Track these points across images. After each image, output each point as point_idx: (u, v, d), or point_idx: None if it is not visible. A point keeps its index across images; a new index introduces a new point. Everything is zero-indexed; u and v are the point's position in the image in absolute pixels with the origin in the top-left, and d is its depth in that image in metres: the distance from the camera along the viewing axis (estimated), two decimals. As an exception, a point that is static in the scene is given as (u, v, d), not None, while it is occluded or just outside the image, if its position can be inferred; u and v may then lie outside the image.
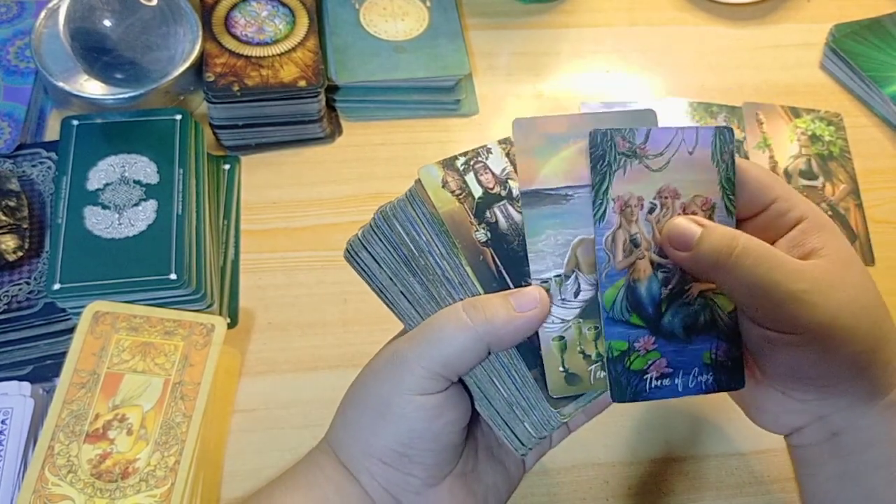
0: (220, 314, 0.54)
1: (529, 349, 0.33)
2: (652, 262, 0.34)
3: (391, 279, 0.36)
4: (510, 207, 0.35)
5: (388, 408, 0.34)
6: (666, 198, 0.34)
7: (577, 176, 0.34)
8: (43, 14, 0.62)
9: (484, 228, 0.34)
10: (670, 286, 0.34)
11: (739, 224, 0.35)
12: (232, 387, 0.52)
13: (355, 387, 0.37)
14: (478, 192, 0.35)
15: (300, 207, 0.60)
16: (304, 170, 0.62)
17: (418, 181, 0.35)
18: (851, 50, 0.71)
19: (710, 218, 0.34)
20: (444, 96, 0.66)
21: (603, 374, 0.34)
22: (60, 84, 0.59)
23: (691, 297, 0.35)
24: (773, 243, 0.34)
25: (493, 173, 0.35)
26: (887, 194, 0.65)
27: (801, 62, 0.73)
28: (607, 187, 0.33)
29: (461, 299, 0.34)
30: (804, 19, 0.76)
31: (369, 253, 0.37)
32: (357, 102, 0.65)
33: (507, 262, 0.34)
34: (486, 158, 0.36)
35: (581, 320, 0.34)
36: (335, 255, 0.59)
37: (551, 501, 0.49)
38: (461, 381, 0.35)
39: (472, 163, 0.35)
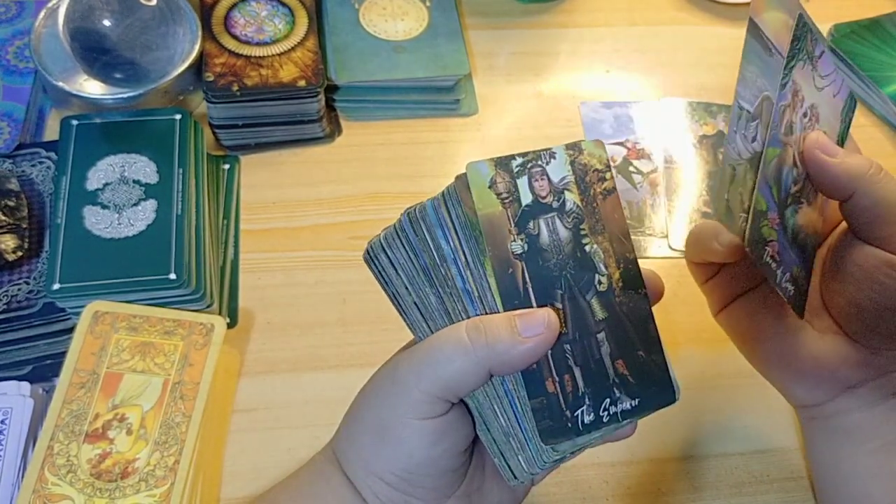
0: (220, 314, 0.54)
1: (534, 376, 0.32)
2: (794, 158, 0.35)
3: (407, 287, 0.34)
4: (558, 222, 0.33)
5: (387, 431, 0.33)
6: (813, 115, 0.35)
7: (779, 41, 0.34)
8: (42, 14, 0.62)
9: (522, 239, 0.32)
10: (797, 187, 0.35)
11: None
12: (231, 387, 0.52)
13: (358, 400, 0.36)
14: (527, 198, 0.32)
15: (300, 207, 0.60)
16: (303, 170, 0.62)
17: (462, 177, 0.32)
18: (851, 50, 0.71)
19: None
20: (444, 96, 0.66)
21: (745, 225, 0.34)
22: (60, 84, 0.59)
23: (801, 212, 0.36)
24: None
25: (549, 181, 0.33)
26: (887, 194, 0.65)
27: (801, 62, 0.73)
28: (793, 67, 0.34)
29: (476, 315, 0.32)
30: (804, 19, 0.76)
31: (388, 257, 0.34)
32: (357, 102, 0.65)
33: (536, 280, 0.32)
34: (547, 163, 0.33)
35: (748, 166, 0.34)
36: (335, 254, 0.59)
37: (551, 501, 0.49)
38: (464, 402, 0.34)
39: (528, 166, 0.33)
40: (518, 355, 0.30)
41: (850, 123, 0.37)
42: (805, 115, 0.35)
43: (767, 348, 0.41)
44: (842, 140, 0.37)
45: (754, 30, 0.34)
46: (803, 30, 0.34)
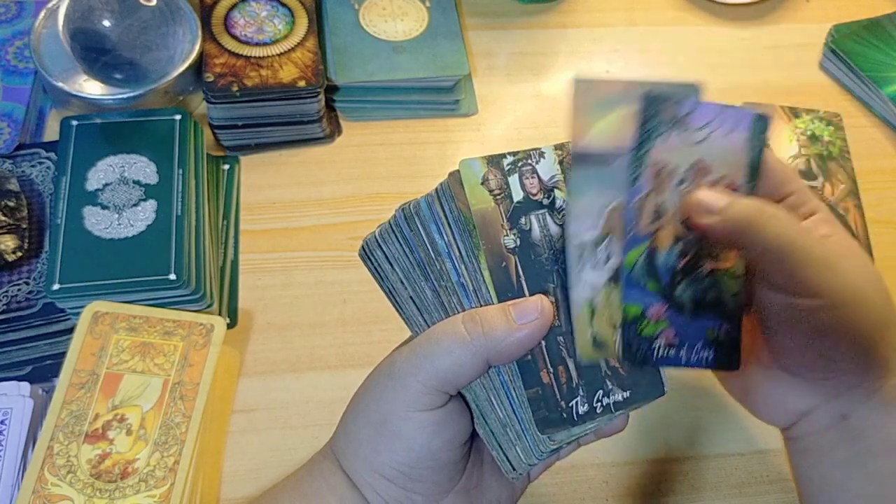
0: (220, 314, 0.54)
1: (529, 367, 0.32)
2: (674, 234, 0.34)
3: (402, 282, 0.35)
4: (549, 218, 0.34)
5: (386, 425, 0.34)
6: (698, 171, 0.34)
7: (622, 139, 0.34)
8: (42, 14, 0.62)
9: (515, 234, 0.33)
10: (686, 258, 0.35)
11: None
12: (231, 387, 0.52)
13: (356, 398, 0.37)
14: (518, 195, 0.33)
15: (300, 207, 0.60)
16: (303, 170, 0.62)
17: (454, 174, 0.33)
18: (850, 50, 0.71)
19: None
20: (444, 96, 0.66)
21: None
22: (60, 84, 0.59)
23: (703, 274, 0.35)
24: None
25: (539, 179, 0.34)
26: (887, 194, 0.65)
27: (801, 62, 0.73)
28: (646, 151, 0.33)
29: (471, 308, 0.33)
30: (803, 20, 0.76)
31: (383, 252, 0.35)
32: (356, 102, 0.65)
33: (529, 274, 0.33)
34: (537, 162, 0.34)
35: (612, 286, 0.34)
36: (334, 255, 0.59)
37: (551, 501, 0.49)
38: (462, 395, 0.35)
39: (519, 164, 0.34)
40: (515, 342, 0.31)
41: (762, 146, 0.35)
42: (682, 181, 0.34)
43: (729, 379, 0.42)
44: (756, 164, 0.35)
45: (581, 159, 0.33)
46: (652, 106, 0.33)
